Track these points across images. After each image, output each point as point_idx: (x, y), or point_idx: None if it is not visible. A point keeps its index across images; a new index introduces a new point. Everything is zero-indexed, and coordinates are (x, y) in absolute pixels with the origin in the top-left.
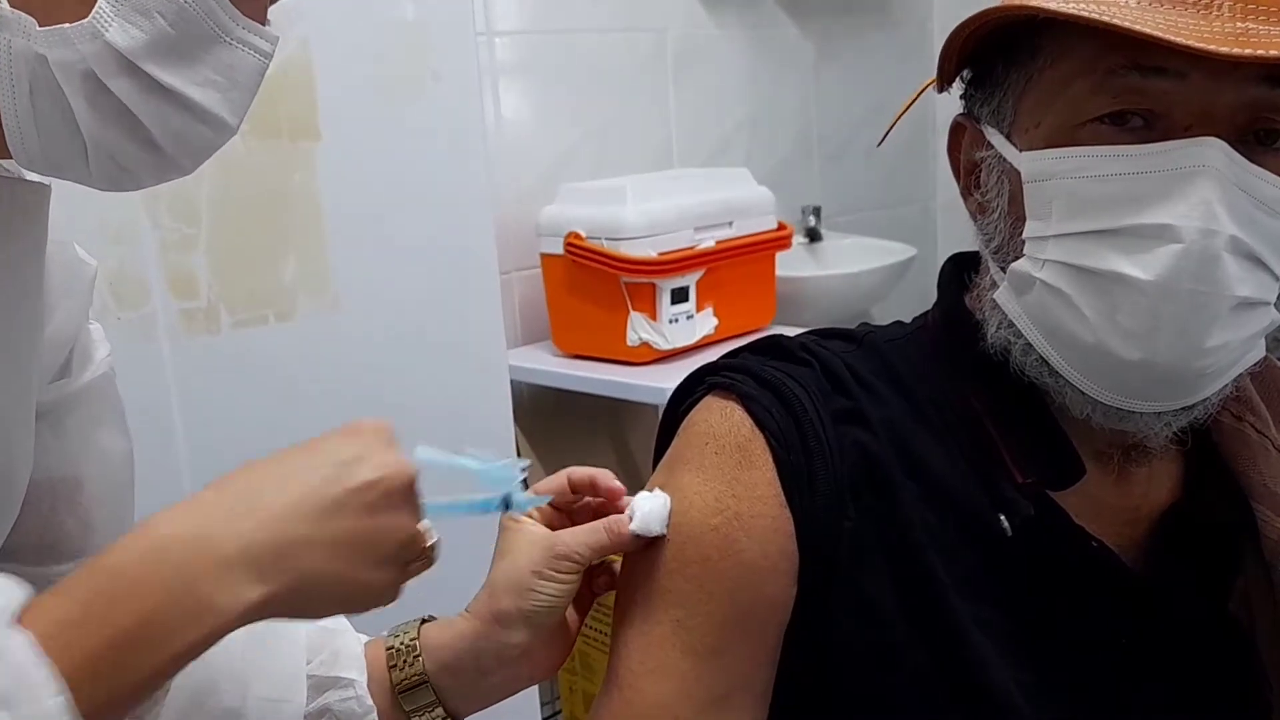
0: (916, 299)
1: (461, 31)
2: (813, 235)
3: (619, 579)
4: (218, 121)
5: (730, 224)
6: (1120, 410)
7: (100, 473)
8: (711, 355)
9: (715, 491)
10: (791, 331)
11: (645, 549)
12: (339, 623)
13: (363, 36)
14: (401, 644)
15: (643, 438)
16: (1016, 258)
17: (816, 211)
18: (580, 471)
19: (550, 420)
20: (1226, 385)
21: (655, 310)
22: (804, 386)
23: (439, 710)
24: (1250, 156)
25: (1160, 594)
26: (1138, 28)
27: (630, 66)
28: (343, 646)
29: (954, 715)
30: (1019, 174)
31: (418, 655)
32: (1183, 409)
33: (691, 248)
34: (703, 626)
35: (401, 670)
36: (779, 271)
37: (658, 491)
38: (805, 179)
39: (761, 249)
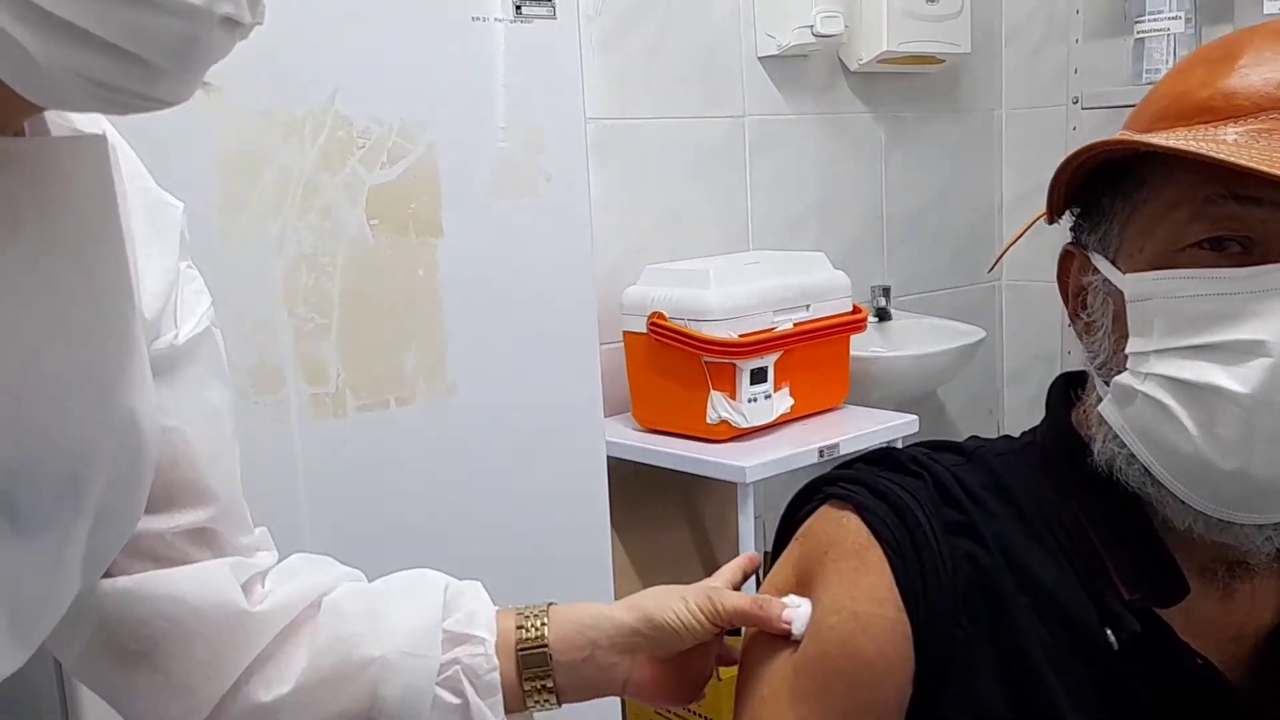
0: (983, 380)
1: (573, 135)
2: (882, 315)
3: (740, 674)
4: (181, 7)
5: (807, 307)
6: (1220, 521)
7: (209, 427)
8: (787, 433)
9: (833, 594)
10: (865, 411)
11: (771, 643)
12: (474, 587)
13: (483, 141)
14: (532, 612)
15: (717, 513)
16: (1120, 372)
17: (886, 291)
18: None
19: (628, 492)
20: None
21: (735, 389)
22: (916, 498)
23: (549, 681)
24: None
25: (1266, 712)
26: (1235, 159)
27: (709, 151)
28: (477, 609)
29: None
30: (1122, 295)
31: (545, 623)
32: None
33: (770, 329)
34: None
35: (528, 632)
36: (851, 351)
37: (806, 601)
38: (875, 259)
39: (837, 331)
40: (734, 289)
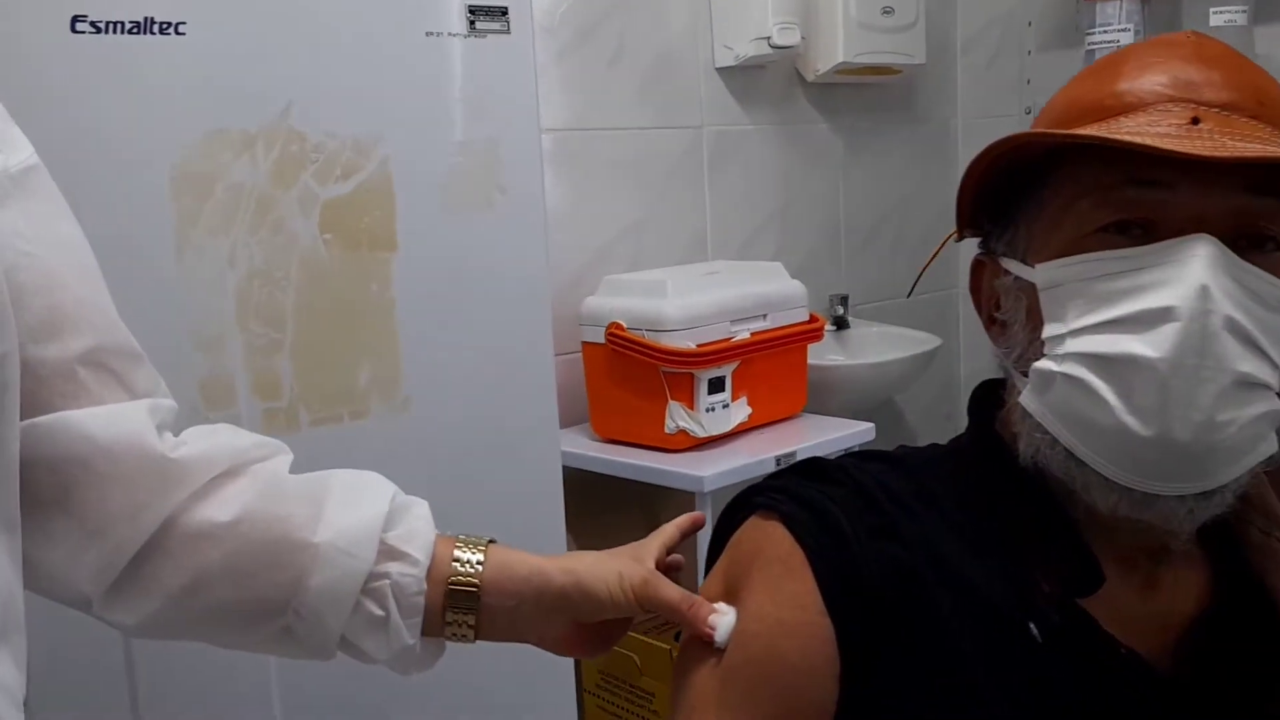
0: (941, 387)
1: (528, 149)
2: (840, 323)
3: (673, 682)
4: None
5: (765, 316)
6: (1144, 495)
7: (69, 256)
8: (745, 442)
9: (758, 601)
10: (822, 419)
11: (701, 651)
12: (420, 506)
13: (437, 155)
14: (472, 545)
15: None
16: (1037, 360)
17: (844, 300)
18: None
19: (587, 503)
20: (1242, 477)
21: (693, 399)
22: (840, 505)
23: (471, 619)
24: (1243, 258)
25: (1193, 700)
26: (1129, 139)
27: (668, 161)
28: (419, 528)
29: None
30: (1034, 287)
31: (481, 563)
32: (1202, 495)
33: (728, 339)
34: None
35: (462, 567)
36: (809, 360)
37: (732, 610)
38: (833, 268)
39: (794, 341)
40: (691, 299)
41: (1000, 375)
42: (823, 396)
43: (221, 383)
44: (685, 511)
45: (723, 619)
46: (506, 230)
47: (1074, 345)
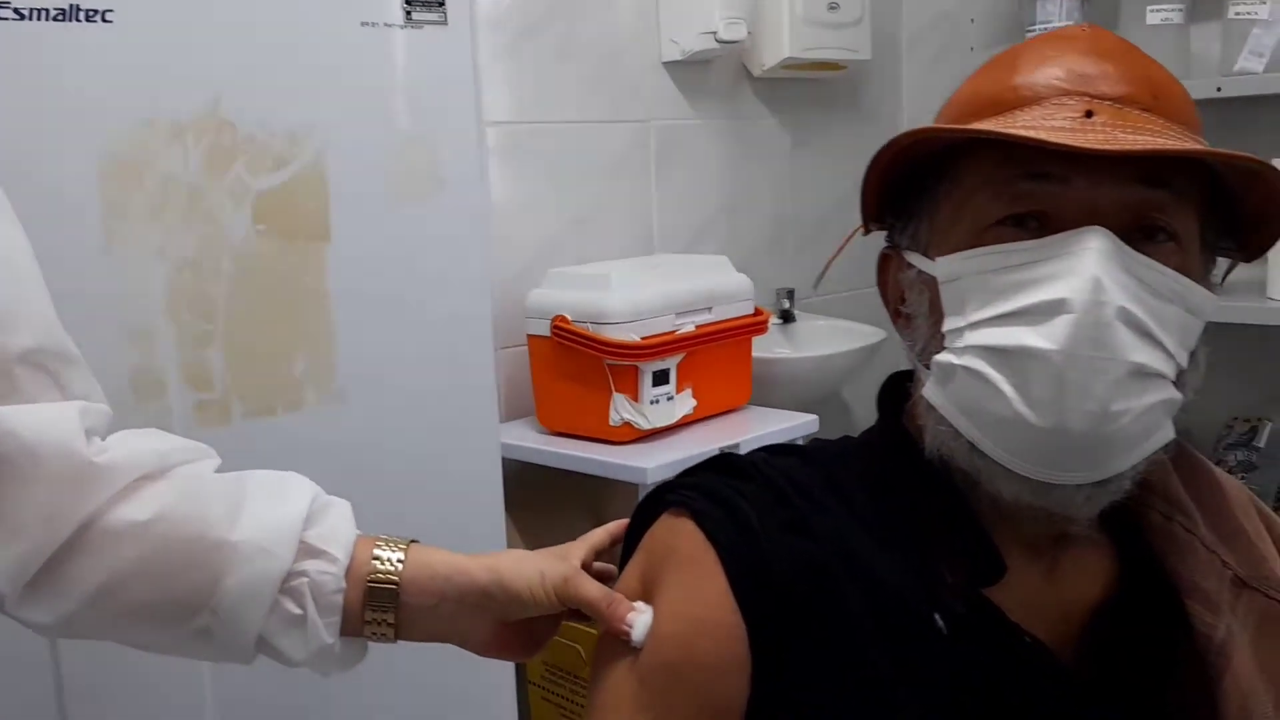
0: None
1: (466, 141)
2: (786, 317)
3: (590, 678)
4: None
5: (710, 309)
6: (1043, 484)
7: (10, 259)
8: (690, 435)
9: (671, 600)
10: (767, 411)
11: (617, 650)
12: (341, 506)
13: (372, 146)
14: (393, 544)
15: (620, 514)
16: (938, 352)
17: (790, 294)
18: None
19: (532, 495)
20: (1139, 464)
21: (637, 392)
22: (750, 500)
23: (391, 618)
24: (1136, 249)
25: (1095, 688)
26: (1022, 133)
27: (615, 155)
28: (339, 527)
29: None
30: (936, 280)
31: (401, 561)
32: (1099, 484)
33: (672, 332)
34: None
35: (382, 565)
36: (755, 353)
37: (649, 609)
38: (779, 262)
39: (739, 334)
40: (636, 292)
41: (910, 368)
42: (768, 389)
43: (152, 375)
44: (631, 503)
45: (640, 618)
46: (446, 223)
47: (972, 338)
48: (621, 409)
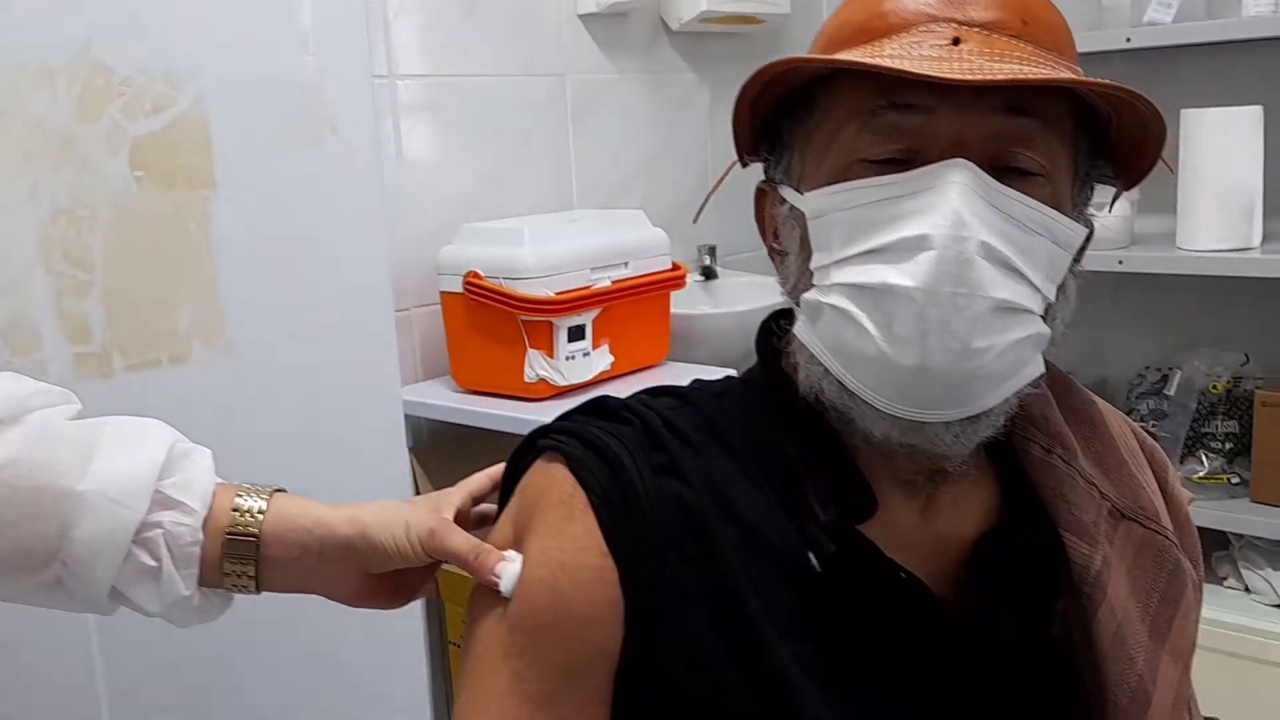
0: None
1: (359, 85)
2: (708, 274)
3: (464, 636)
4: None
5: (626, 264)
6: (911, 422)
7: None
8: (607, 391)
9: (541, 546)
10: (687, 367)
11: (489, 599)
12: (201, 454)
13: (258, 91)
14: (255, 493)
15: None
16: (807, 290)
17: (712, 251)
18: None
19: (449, 454)
20: (1009, 400)
21: (552, 348)
22: (624, 444)
23: (251, 569)
24: (1002, 181)
25: (973, 621)
26: (884, 63)
27: (530, 110)
28: (196, 478)
29: None
30: (804, 215)
31: (262, 513)
32: (968, 420)
33: (587, 287)
34: (538, 674)
35: (242, 517)
36: (675, 309)
37: (519, 557)
38: (701, 219)
39: (656, 289)
40: (550, 247)
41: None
42: (689, 345)
43: (25, 326)
44: None
45: (509, 567)
46: (338, 170)
47: (838, 275)
48: (536, 365)
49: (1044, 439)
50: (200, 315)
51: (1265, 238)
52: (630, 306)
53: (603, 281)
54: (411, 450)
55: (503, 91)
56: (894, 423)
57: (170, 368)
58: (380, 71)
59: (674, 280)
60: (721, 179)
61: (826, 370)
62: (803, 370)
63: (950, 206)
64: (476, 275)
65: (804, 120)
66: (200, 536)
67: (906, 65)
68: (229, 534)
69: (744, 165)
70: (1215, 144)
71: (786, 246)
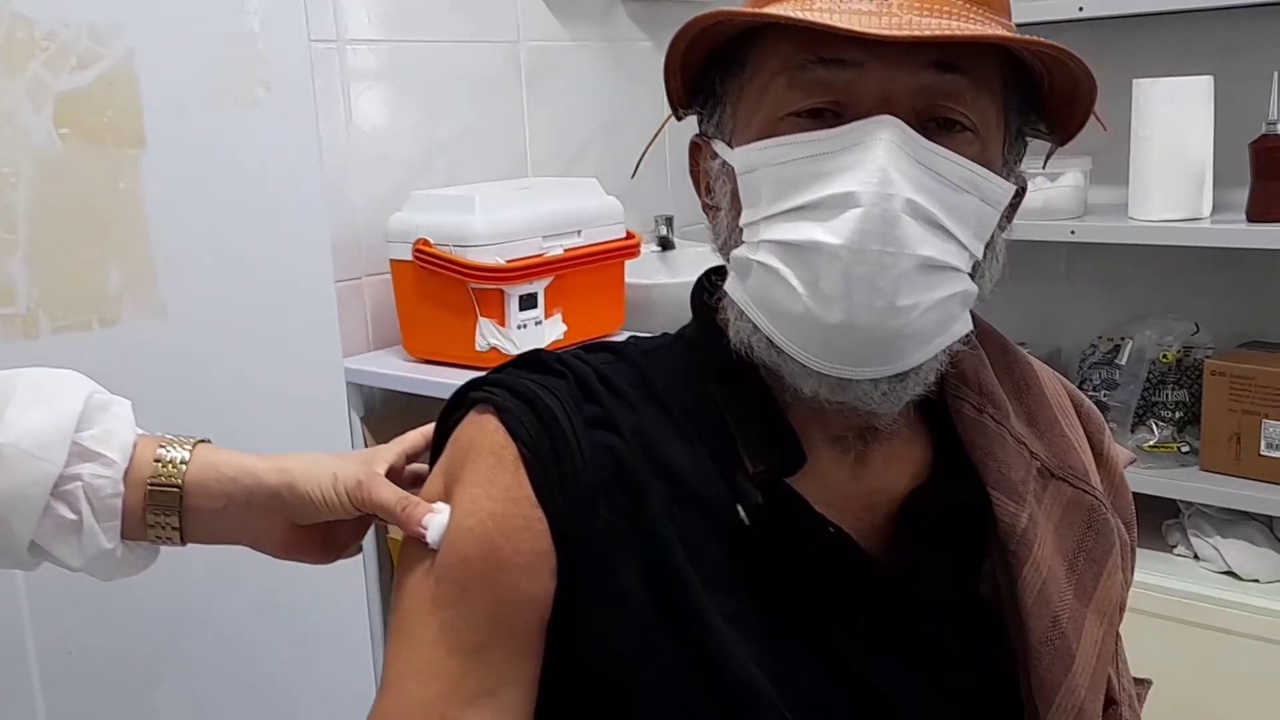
0: None
1: (294, 42)
2: (665, 244)
3: (395, 581)
4: None
5: (579, 233)
6: (839, 379)
7: None
8: None
9: (470, 495)
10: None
11: (418, 551)
12: (120, 405)
13: (189, 47)
14: (178, 444)
15: None
16: (737, 246)
17: (669, 221)
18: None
19: (402, 424)
20: (938, 358)
21: (503, 316)
22: (556, 396)
23: (175, 521)
24: (930, 138)
25: (901, 577)
26: (811, 17)
27: (484, 76)
28: (116, 429)
29: (703, 705)
30: (735, 170)
31: (185, 462)
32: (896, 378)
33: (539, 255)
34: (467, 625)
35: (164, 467)
36: (631, 279)
37: (447, 508)
38: (658, 189)
39: (609, 257)
40: (501, 214)
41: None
42: (645, 315)
43: None
44: None
45: (436, 518)
46: (272, 129)
47: (766, 232)
48: (488, 334)
49: (976, 398)
50: (131, 276)
51: (1215, 208)
52: (583, 275)
53: (555, 250)
54: (364, 420)
55: (455, 57)
56: (822, 379)
57: (100, 330)
58: (328, 36)
59: (628, 249)
60: (658, 133)
61: (755, 327)
62: (733, 327)
63: (876, 164)
64: (426, 243)
65: (736, 74)
66: (121, 488)
67: (836, 20)
68: (151, 485)
69: (679, 119)
70: (1166, 114)
71: (718, 202)
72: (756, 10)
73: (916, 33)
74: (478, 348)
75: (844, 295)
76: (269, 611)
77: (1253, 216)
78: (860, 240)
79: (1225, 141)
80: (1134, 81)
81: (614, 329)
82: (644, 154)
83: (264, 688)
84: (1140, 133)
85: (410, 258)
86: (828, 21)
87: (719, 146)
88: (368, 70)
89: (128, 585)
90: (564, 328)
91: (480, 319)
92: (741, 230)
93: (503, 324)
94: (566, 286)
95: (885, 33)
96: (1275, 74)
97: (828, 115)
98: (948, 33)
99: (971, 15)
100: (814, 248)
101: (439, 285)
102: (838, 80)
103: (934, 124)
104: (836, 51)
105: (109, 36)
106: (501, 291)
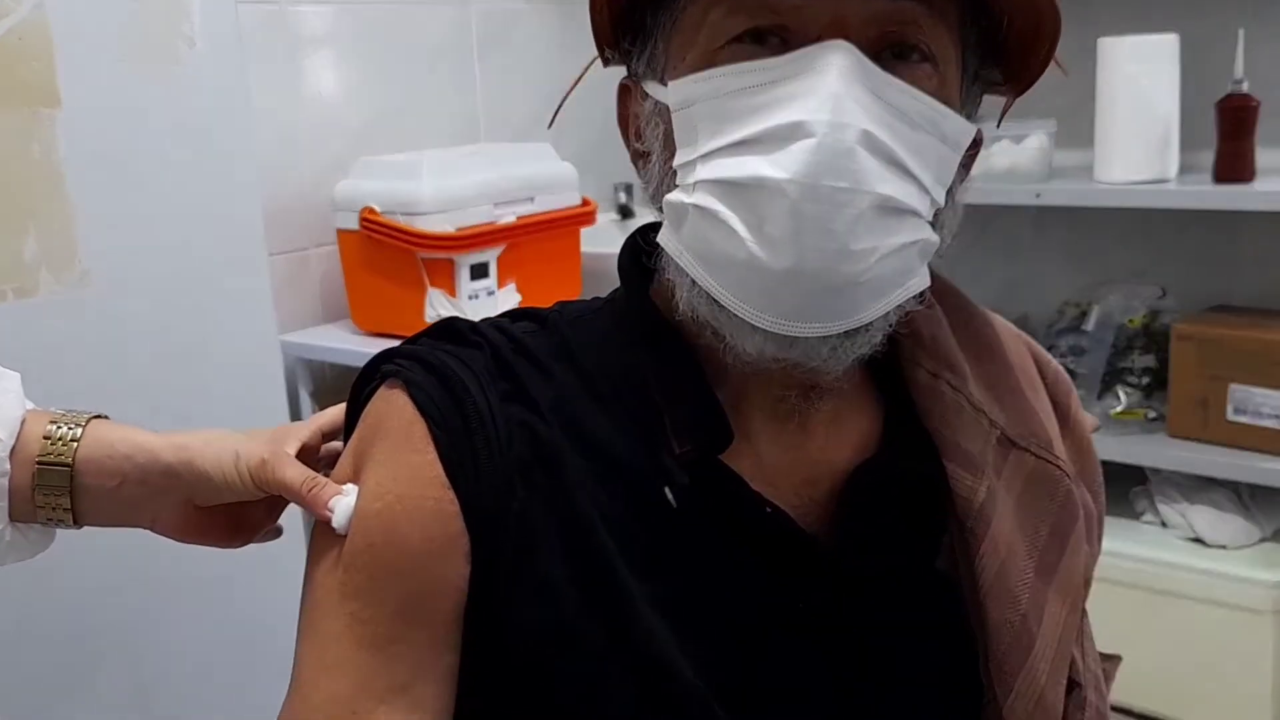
0: None
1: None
2: (625, 212)
3: (305, 570)
4: None
5: (532, 200)
6: (785, 337)
7: None
8: None
9: (377, 477)
10: None
11: (325, 540)
12: (7, 380)
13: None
14: (70, 421)
15: None
16: (670, 191)
17: (628, 189)
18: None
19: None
20: (890, 314)
21: (454, 286)
22: (471, 369)
23: (66, 501)
24: (885, 69)
25: (845, 557)
26: None
27: (434, 39)
28: (2, 404)
29: (628, 691)
30: (669, 109)
31: (76, 440)
32: (847, 335)
33: (491, 223)
34: (376, 617)
35: (53, 445)
36: (589, 247)
37: (355, 490)
38: (618, 156)
39: (564, 225)
40: (449, 180)
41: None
42: (603, 285)
43: None
44: None
45: (343, 500)
46: (199, 89)
47: (704, 171)
48: (438, 305)
49: (931, 362)
50: (48, 243)
51: (1182, 169)
52: (537, 244)
53: (507, 217)
54: (313, 396)
55: (403, 20)
56: (767, 337)
57: (16, 301)
58: None
59: (583, 216)
60: (579, 78)
61: (694, 281)
62: (678, 288)
63: (828, 90)
64: (372, 211)
65: (669, 6)
66: (7, 467)
67: None
68: (40, 463)
69: (605, 63)
70: (1132, 73)
71: (649, 146)
72: None
73: None
74: (427, 319)
75: (792, 236)
76: (209, 595)
77: (1219, 177)
78: (811, 174)
79: (1191, 101)
80: (1099, 40)
81: (571, 298)
82: (563, 101)
83: (207, 671)
84: (1106, 92)
85: (357, 227)
86: None
87: (650, 86)
88: (313, 34)
89: (62, 568)
90: (519, 298)
91: (430, 289)
92: (675, 173)
93: (453, 294)
94: (520, 255)
95: None
96: (1240, 31)
97: (772, 41)
98: None
99: None
100: (758, 184)
101: (387, 255)
102: (784, 6)
103: (888, 53)
104: None
105: None
106: (451, 261)
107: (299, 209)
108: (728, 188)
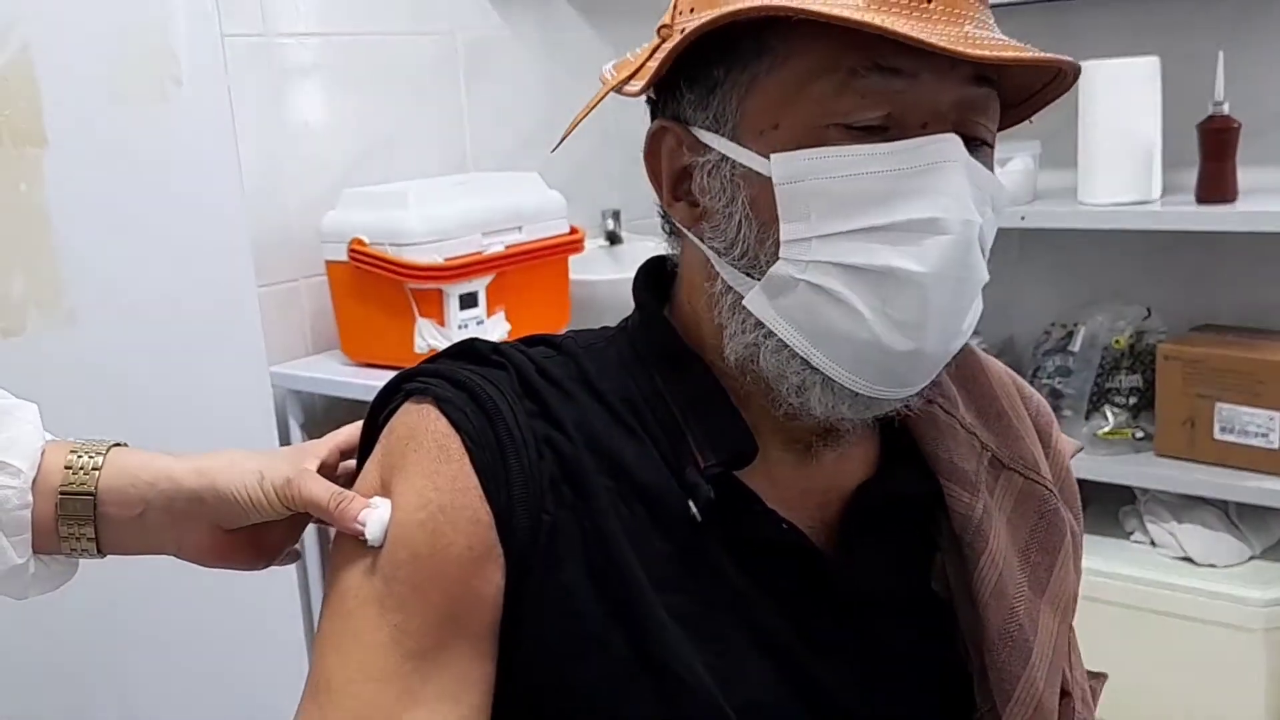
0: None
1: (205, 34)
2: (613, 238)
3: (327, 594)
4: None
5: (520, 229)
6: (870, 399)
7: None
8: None
9: (417, 487)
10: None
11: (356, 550)
12: (26, 410)
13: (92, 40)
14: (90, 450)
15: None
16: (770, 261)
17: (616, 215)
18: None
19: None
20: None
21: (443, 316)
22: (498, 387)
23: (91, 531)
24: (971, 155)
25: (852, 574)
26: (886, 24)
27: (420, 69)
28: (21, 435)
29: (648, 703)
30: (761, 176)
31: (98, 469)
32: (917, 391)
33: (479, 253)
34: (421, 628)
35: (75, 475)
36: (577, 275)
37: (386, 502)
38: (605, 183)
39: (552, 253)
40: (437, 210)
41: (670, 253)
42: (593, 312)
43: None
44: None
45: (374, 514)
46: (185, 127)
47: (823, 252)
48: (427, 335)
49: (926, 389)
50: (34, 283)
51: (1165, 190)
52: (526, 272)
53: (495, 246)
54: (303, 428)
55: (390, 51)
56: (854, 400)
57: (3, 340)
58: (254, 30)
59: (571, 244)
60: (594, 104)
61: (783, 344)
62: (739, 338)
63: (957, 188)
64: (361, 242)
65: (747, 64)
66: (30, 499)
67: (885, 22)
68: (62, 493)
69: (644, 95)
70: (1114, 96)
71: (718, 206)
72: (824, 10)
73: (1000, 54)
74: (417, 349)
75: (919, 324)
76: (202, 611)
77: (1202, 198)
78: (944, 268)
79: (1173, 123)
80: (1081, 64)
81: (559, 327)
82: (575, 124)
83: (198, 690)
84: (1088, 115)
85: (346, 258)
86: (891, 26)
87: (716, 140)
88: (298, 65)
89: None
90: (507, 326)
91: (419, 319)
92: (777, 245)
93: (442, 324)
94: (508, 284)
95: (978, 52)
96: (1220, 54)
97: (875, 130)
98: (1024, 55)
99: (987, 20)
100: (889, 274)
101: (375, 286)
102: (892, 90)
103: (968, 139)
104: (894, 60)
105: (3, 30)
106: (440, 291)
107: (287, 241)
108: (854, 272)
